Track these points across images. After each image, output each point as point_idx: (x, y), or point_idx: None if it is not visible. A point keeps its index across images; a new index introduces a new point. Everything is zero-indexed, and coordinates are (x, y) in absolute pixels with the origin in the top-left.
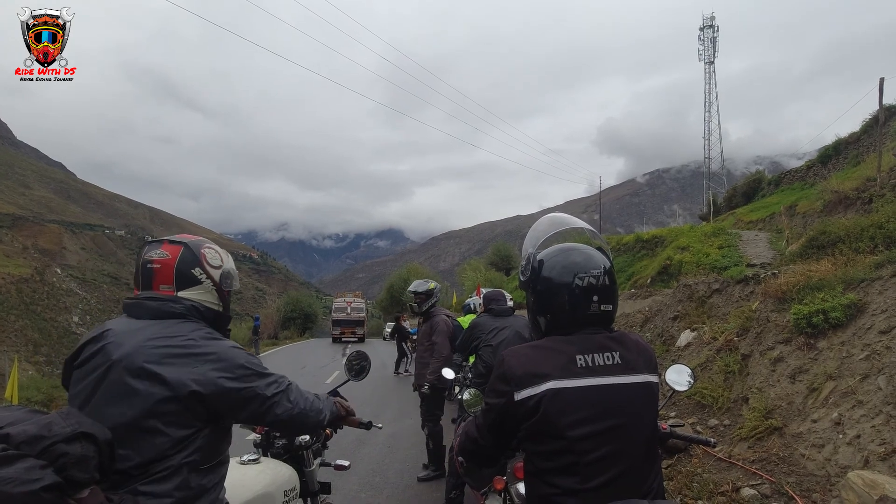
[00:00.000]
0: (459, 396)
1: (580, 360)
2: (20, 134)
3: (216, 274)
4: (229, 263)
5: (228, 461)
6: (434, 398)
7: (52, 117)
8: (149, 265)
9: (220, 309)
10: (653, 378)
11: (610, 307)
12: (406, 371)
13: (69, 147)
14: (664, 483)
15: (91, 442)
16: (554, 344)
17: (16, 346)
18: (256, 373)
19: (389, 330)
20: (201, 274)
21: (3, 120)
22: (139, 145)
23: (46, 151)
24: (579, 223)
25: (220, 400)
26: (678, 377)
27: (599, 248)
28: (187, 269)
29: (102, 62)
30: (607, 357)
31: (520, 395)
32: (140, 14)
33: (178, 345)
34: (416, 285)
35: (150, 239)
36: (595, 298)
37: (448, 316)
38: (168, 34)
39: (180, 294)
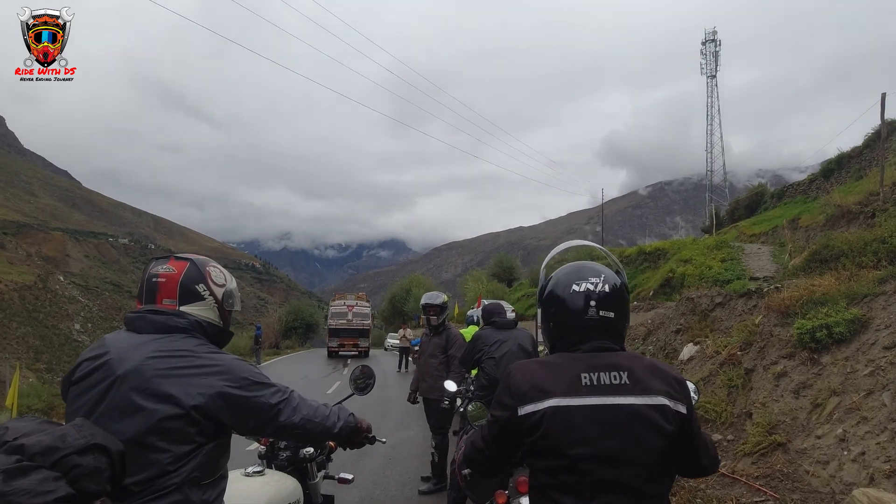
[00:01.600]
0: (462, 409)
1: (585, 378)
2: (27, 142)
3: (219, 292)
4: (232, 284)
5: (227, 475)
6: (447, 411)
7: (58, 125)
8: (154, 279)
9: (222, 325)
10: (667, 402)
11: (611, 314)
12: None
13: (75, 155)
14: None
15: (104, 454)
16: (561, 360)
17: (17, 353)
18: (261, 383)
19: (396, 341)
20: (205, 290)
21: (10, 128)
22: (145, 154)
23: (52, 159)
24: (589, 243)
25: (228, 410)
26: None
27: (617, 272)
28: (191, 285)
29: (109, 71)
30: (614, 376)
31: (523, 410)
32: (147, 24)
33: (182, 357)
34: (432, 297)
35: (157, 256)
36: (592, 303)
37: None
38: (175, 44)
39: (183, 308)
